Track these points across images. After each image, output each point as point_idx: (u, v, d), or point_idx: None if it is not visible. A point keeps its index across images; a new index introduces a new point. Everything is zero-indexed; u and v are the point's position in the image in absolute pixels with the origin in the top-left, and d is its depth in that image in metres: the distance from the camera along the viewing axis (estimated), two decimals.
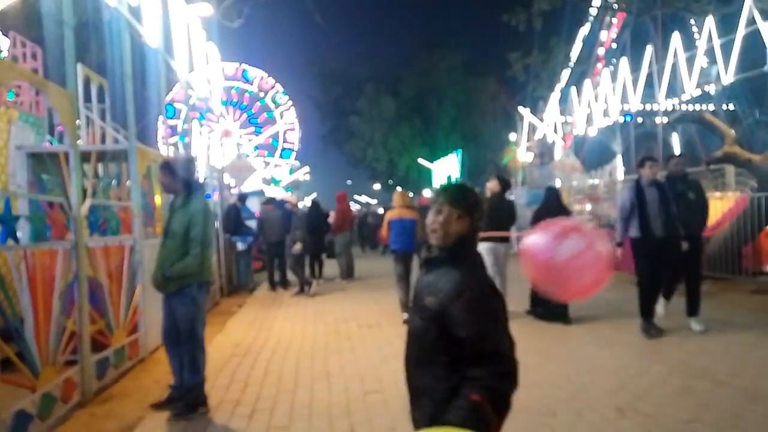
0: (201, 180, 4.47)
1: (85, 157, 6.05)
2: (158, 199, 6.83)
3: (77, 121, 5.67)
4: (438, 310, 1.72)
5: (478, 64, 33.72)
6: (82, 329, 4.49)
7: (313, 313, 8.29)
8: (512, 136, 24.64)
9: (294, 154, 33.06)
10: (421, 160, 31.07)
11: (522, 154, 22.29)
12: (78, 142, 4.87)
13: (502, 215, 7.30)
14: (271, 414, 4.06)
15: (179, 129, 28.40)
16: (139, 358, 5.56)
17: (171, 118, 29.04)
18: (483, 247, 7.84)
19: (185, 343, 4.11)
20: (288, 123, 32.57)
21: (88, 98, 10.35)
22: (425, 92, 33.14)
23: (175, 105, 27.90)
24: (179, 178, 4.14)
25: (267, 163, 31.63)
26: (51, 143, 8.37)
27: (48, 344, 4.04)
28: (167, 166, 4.24)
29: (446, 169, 24.70)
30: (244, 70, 31.13)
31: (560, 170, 15.77)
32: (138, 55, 7.76)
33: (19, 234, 3.98)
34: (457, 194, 1.89)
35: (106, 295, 5.08)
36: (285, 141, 32.86)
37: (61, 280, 4.28)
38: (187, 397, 4.06)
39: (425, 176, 31.33)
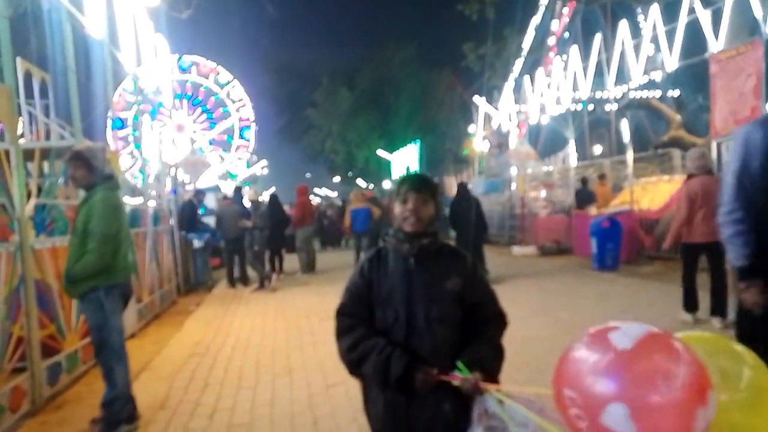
0: (108, 172, 3.90)
1: (28, 155, 5.80)
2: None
3: (18, 118, 5.41)
4: (460, 289, 1.93)
5: (433, 56, 34.02)
6: (30, 334, 4.30)
7: (274, 308, 8.20)
8: (471, 128, 24.92)
9: (253, 126, 32.27)
10: (379, 152, 31.09)
11: (479, 144, 22.57)
12: (20, 139, 4.65)
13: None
14: (232, 413, 4.01)
15: (129, 123, 27.45)
16: (93, 362, 5.37)
17: (120, 129, 28.03)
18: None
19: (98, 354, 3.78)
20: (238, 100, 31.78)
21: (30, 94, 9.90)
22: (381, 84, 33.09)
23: (121, 115, 26.93)
24: (93, 171, 3.71)
25: (223, 158, 30.98)
26: None
27: None
28: (79, 156, 3.73)
29: (405, 160, 24.81)
30: (179, 58, 30.19)
31: (516, 158, 16.05)
32: (82, 47, 7.45)
33: None
34: (418, 181, 2.01)
35: (56, 298, 4.88)
36: (240, 120, 32.09)
37: (5, 284, 4.09)
38: (106, 414, 3.70)
39: (384, 168, 31.39)
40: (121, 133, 28.03)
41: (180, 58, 29.47)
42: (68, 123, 11.26)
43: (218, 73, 31.45)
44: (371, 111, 33.26)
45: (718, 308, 5.70)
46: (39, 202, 5.02)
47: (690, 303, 5.95)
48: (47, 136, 9.65)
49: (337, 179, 44.76)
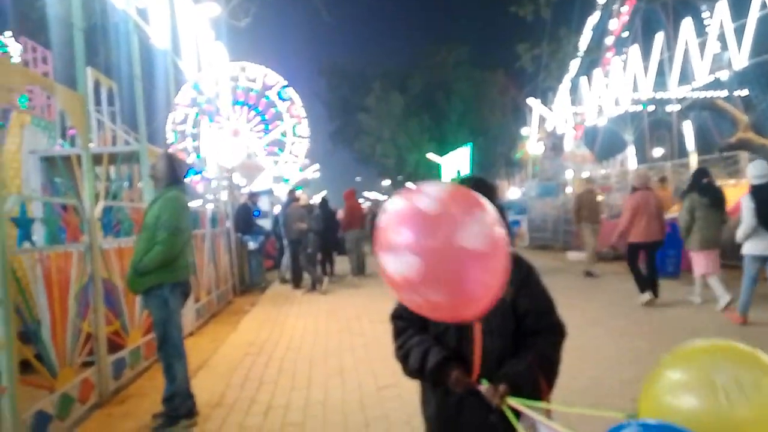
0: (187, 181, 4.29)
1: (97, 159, 6.11)
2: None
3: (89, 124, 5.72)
4: (512, 298, 1.85)
5: (486, 58, 33.60)
6: (97, 330, 4.53)
7: (326, 310, 8.31)
8: (524, 131, 24.49)
9: (305, 134, 32.73)
10: (430, 155, 30.98)
11: (532, 146, 22.15)
12: (90, 144, 4.92)
13: None
14: (285, 411, 4.08)
15: (188, 131, 28.47)
16: (154, 358, 5.60)
17: (179, 124, 29.15)
18: None
19: (159, 349, 3.94)
20: (294, 116, 32.31)
21: (98, 101, 10.44)
22: (433, 87, 33.03)
23: (177, 129, 27.99)
24: (172, 172, 4.03)
25: (276, 162, 31.68)
26: (62, 147, 8.44)
27: (65, 345, 4.08)
28: (169, 156, 4.20)
29: (456, 163, 24.60)
30: (243, 68, 31.04)
31: (572, 161, 15.67)
32: (146, 56, 7.82)
33: (34, 237, 4.02)
34: (473, 184, 1.93)
35: (121, 297, 5.12)
36: (292, 115, 32.57)
37: (76, 282, 4.32)
38: (166, 409, 3.85)
39: (434, 171, 31.25)
40: (181, 134, 29.12)
41: (243, 68, 30.31)
42: (133, 129, 11.84)
43: (282, 86, 32.10)
44: (422, 115, 33.24)
45: None
46: (107, 205, 5.27)
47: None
48: (113, 142, 10.16)
49: (386, 183, 44.96)
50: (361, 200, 19.97)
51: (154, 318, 3.95)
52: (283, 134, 32.48)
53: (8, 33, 13.52)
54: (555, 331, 1.90)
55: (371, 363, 5.23)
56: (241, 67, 31.48)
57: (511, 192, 21.92)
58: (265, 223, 12.99)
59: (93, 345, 4.50)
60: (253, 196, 12.01)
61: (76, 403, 4.10)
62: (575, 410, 1.52)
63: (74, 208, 4.70)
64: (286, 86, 32.16)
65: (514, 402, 1.65)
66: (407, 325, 2.00)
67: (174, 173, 4.04)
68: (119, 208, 5.60)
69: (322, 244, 10.89)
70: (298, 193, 12.19)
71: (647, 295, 7.18)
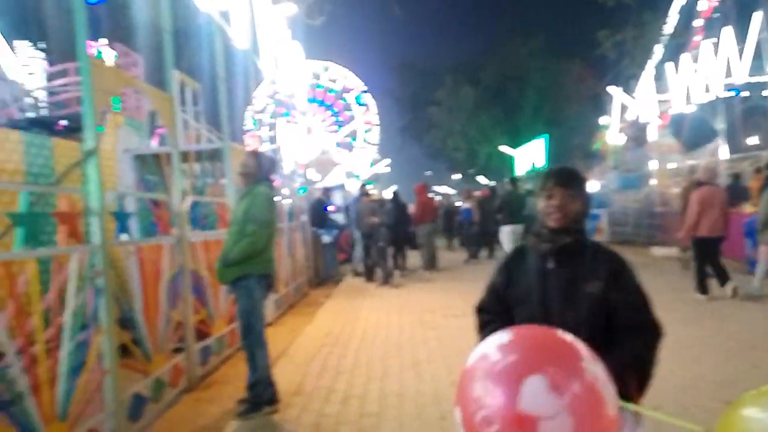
0: (274, 178, 4.48)
1: (183, 157, 6.44)
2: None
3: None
4: (601, 292, 1.78)
5: (562, 46, 32.35)
6: (187, 318, 4.80)
7: (398, 303, 8.36)
8: (602, 120, 23.44)
9: (376, 129, 33.01)
10: (503, 148, 30.29)
11: (613, 137, 21.14)
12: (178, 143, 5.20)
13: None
14: (362, 401, 4.15)
15: (265, 120, 29.41)
16: (237, 346, 5.85)
17: (258, 112, 30.21)
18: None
19: (243, 339, 4.12)
20: (367, 122, 32.67)
21: (183, 102, 11.00)
22: (506, 79, 32.25)
23: (256, 116, 28.95)
24: (260, 170, 4.22)
25: (348, 158, 32.14)
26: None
27: (158, 332, 4.36)
28: (257, 154, 4.44)
29: (529, 155, 23.92)
30: (325, 67, 31.61)
31: (657, 151, 14.82)
32: (226, 56, 8.16)
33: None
34: (565, 175, 1.91)
35: (207, 287, 5.40)
36: (365, 123, 32.93)
37: (167, 272, 4.60)
38: (250, 395, 4.02)
39: (507, 164, 30.56)
40: (259, 122, 30.10)
41: (326, 68, 30.95)
42: (215, 127, 12.40)
43: (361, 91, 32.49)
44: (495, 107, 32.58)
45: None
46: (194, 200, 5.56)
47: None
48: (198, 140, 10.69)
49: (457, 177, 44.50)
50: (431, 194, 19.75)
51: (239, 308, 4.14)
52: (353, 138, 32.86)
53: (103, 40, 14.51)
54: (650, 330, 1.80)
55: (445, 356, 5.22)
56: (324, 67, 32.11)
57: (590, 185, 21.07)
58: (339, 218, 13.24)
59: (182, 332, 4.77)
60: (327, 191, 12.27)
61: (168, 387, 4.36)
62: (656, 416, 1.46)
63: (165, 203, 5.00)
64: (365, 92, 32.49)
65: None
66: (492, 318, 1.97)
67: (263, 170, 4.24)
68: (205, 203, 5.88)
69: (393, 238, 10.95)
70: (369, 187, 12.32)
71: (727, 289, 7.17)
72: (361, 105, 32.59)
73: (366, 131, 32.64)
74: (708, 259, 7.34)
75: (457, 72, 33.44)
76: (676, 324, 5.93)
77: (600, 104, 25.09)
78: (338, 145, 32.99)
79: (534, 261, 1.90)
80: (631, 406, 1.62)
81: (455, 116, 32.94)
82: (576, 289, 1.80)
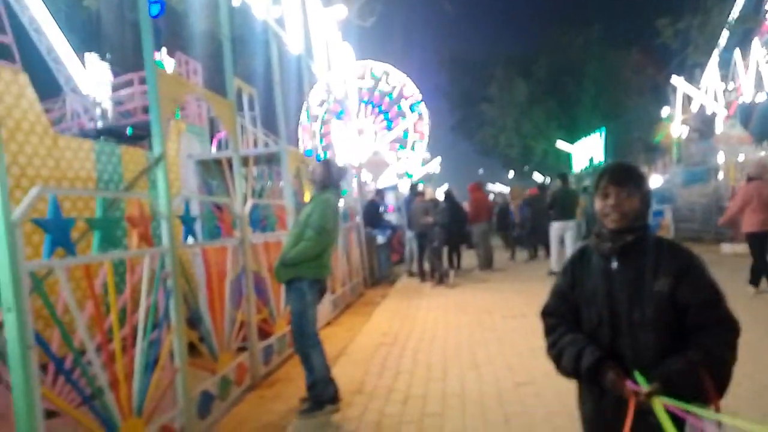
0: (340, 184, 4.57)
1: (243, 161, 6.61)
2: (307, 197, 7.29)
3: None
4: (670, 290, 1.72)
5: (620, 36, 31.18)
6: (250, 318, 4.93)
7: (455, 303, 8.29)
8: (664, 111, 22.45)
9: (424, 144, 33.05)
10: (559, 143, 29.46)
11: (676, 129, 20.22)
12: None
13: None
14: (424, 401, 4.13)
15: (317, 132, 29.92)
16: None
17: (309, 123, 30.73)
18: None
19: (295, 340, 4.21)
20: (418, 131, 32.70)
21: (240, 107, 11.31)
22: (560, 71, 31.29)
23: (313, 109, 29.46)
24: (328, 177, 4.31)
25: (399, 158, 32.18)
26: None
27: (223, 331, 4.49)
28: (327, 162, 4.54)
29: (588, 150, 23.21)
30: (385, 71, 31.90)
31: (725, 143, 14.05)
32: (280, 61, 8.35)
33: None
34: (620, 172, 1.83)
35: (268, 287, 5.52)
36: (415, 132, 32.99)
37: (231, 273, 4.74)
38: (310, 395, 4.10)
39: (564, 160, 29.74)
40: (313, 117, 30.60)
41: (372, 71, 31.24)
42: (269, 131, 12.70)
43: (417, 100, 32.60)
44: (549, 101, 31.69)
45: None
46: (254, 203, 5.70)
47: None
48: (255, 145, 10.97)
49: (511, 174, 43.72)
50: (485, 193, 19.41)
51: (292, 309, 4.23)
52: (402, 145, 32.90)
53: (163, 50, 15.14)
54: (725, 326, 1.71)
55: (506, 358, 5.13)
56: (385, 71, 32.34)
57: (653, 180, 20.23)
58: (392, 218, 13.28)
59: (246, 332, 4.90)
60: (380, 192, 12.32)
61: (233, 385, 4.49)
62: (736, 423, 1.39)
63: (227, 207, 5.15)
64: (420, 101, 32.54)
65: (669, 403, 1.54)
66: (559, 322, 1.92)
67: (330, 178, 4.33)
68: (265, 206, 6.02)
69: (448, 238, 10.87)
70: (422, 186, 12.28)
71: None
72: (414, 112, 32.62)
73: (414, 141, 32.66)
74: (754, 252, 7.33)
75: (509, 66, 32.75)
76: (752, 325, 5.60)
77: (661, 95, 24.08)
78: (389, 147, 33.15)
79: (598, 261, 1.85)
80: (709, 414, 1.55)
81: (508, 112, 32.30)
82: (642, 288, 1.74)
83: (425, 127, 32.53)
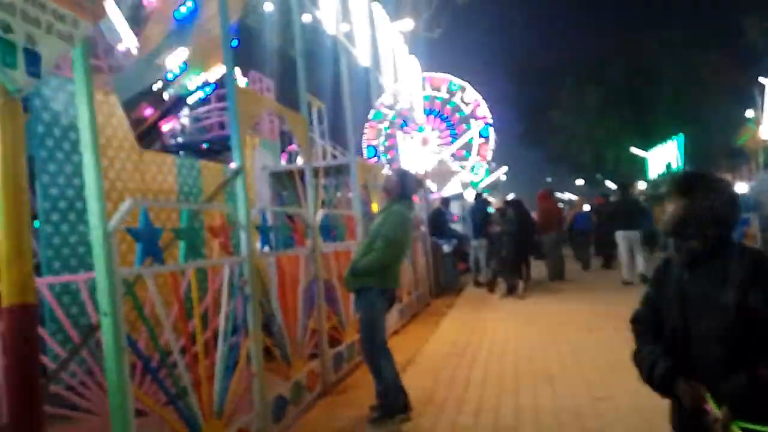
0: (415, 197, 4.59)
1: (314, 172, 6.80)
2: (375, 207, 7.38)
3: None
4: (739, 301, 1.65)
5: (698, 36, 29.50)
6: (321, 325, 5.03)
7: (525, 314, 8.10)
8: (749, 113, 21.03)
9: (491, 129, 32.82)
10: (633, 150, 28.14)
11: (765, 132, 18.88)
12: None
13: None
14: (496, 414, 4.06)
15: (382, 131, 30.28)
16: None
17: (377, 120, 31.35)
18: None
19: (364, 349, 4.23)
20: (481, 155, 32.58)
21: (310, 121, 11.65)
22: (634, 75, 30.00)
23: (382, 110, 29.90)
24: (402, 188, 4.32)
25: (464, 167, 31.97)
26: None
27: (297, 338, 4.61)
28: (402, 173, 4.57)
29: (664, 157, 22.10)
30: (450, 81, 32.05)
31: None
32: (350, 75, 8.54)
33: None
34: (679, 181, 1.82)
35: (338, 296, 5.62)
36: (478, 155, 32.91)
37: (303, 281, 4.87)
38: (381, 404, 4.10)
39: (638, 167, 28.36)
40: (374, 141, 31.20)
41: (451, 83, 31.47)
42: (336, 143, 12.97)
43: (487, 123, 32.61)
44: (622, 106, 30.41)
45: None
46: (325, 213, 5.83)
47: None
48: (323, 157, 11.25)
49: (580, 182, 42.32)
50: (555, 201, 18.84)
51: (361, 317, 4.28)
52: (468, 153, 32.71)
53: (237, 69, 15.82)
54: None
55: (582, 372, 4.95)
56: (462, 86, 32.48)
57: (738, 187, 18.97)
58: (458, 227, 13.18)
59: (317, 339, 5.00)
60: (446, 200, 12.26)
61: (306, 390, 4.58)
62: None
63: (300, 217, 5.31)
64: (490, 125, 32.47)
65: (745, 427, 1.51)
66: (644, 330, 1.93)
67: (403, 189, 4.34)
68: (334, 216, 6.15)
69: (517, 247, 10.63)
70: (485, 196, 12.13)
71: None
72: (483, 137, 32.49)
73: (474, 165, 32.47)
74: None
75: (579, 71, 31.72)
76: None
77: (744, 98, 22.58)
78: (452, 156, 33.05)
79: (675, 272, 1.84)
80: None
81: (578, 119, 31.29)
82: (712, 300, 1.70)
83: (489, 151, 32.41)
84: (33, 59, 2.01)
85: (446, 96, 33.10)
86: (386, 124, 30.02)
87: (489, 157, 32.28)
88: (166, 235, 3.15)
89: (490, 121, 32.53)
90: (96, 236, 2.38)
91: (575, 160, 35.09)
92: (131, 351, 2.71)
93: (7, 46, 1.92)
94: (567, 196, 44.78)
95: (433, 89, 33.46)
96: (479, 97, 32.53)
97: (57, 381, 3.33)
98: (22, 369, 2.02)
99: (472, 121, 32.55)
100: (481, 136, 32.53)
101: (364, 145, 32.33)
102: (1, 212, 1.96)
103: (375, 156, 30.99)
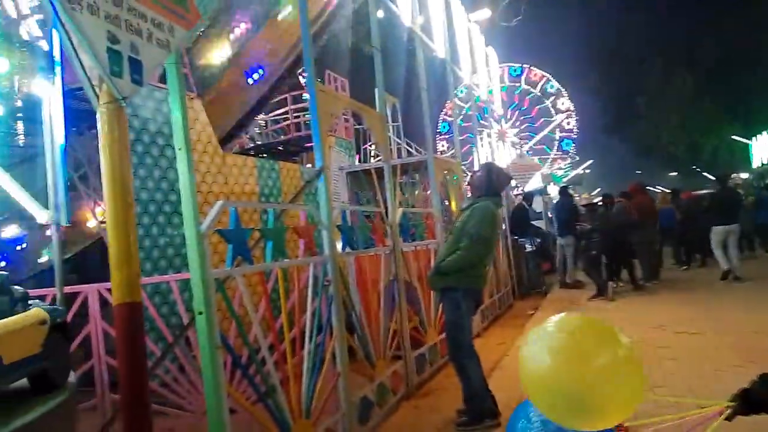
0: (501, 193, 4.38)
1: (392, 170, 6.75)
2: (453, 205, 7.22)
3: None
4: None
5: None
6: (403, 325, 4.95)
7: (618, 317, 7.62)
8: None
9: (573, 145, 31.67)
10: (736, 137, 25.79)
11: None
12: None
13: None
14: None
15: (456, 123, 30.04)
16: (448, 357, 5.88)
17: (444, 133, 31.03)
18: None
19: (450, 351, 4.09)
20: (565, 115, 31.31)
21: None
22: (731, 55, 27.50)
23: (448, 119, 29.64)
24: (487, 183, 4.17)
25: (545, 161, 30.93)
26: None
27: (379, 338, 4.56)
28: (488, 167, 4.39)
29: None
30: (509, 67, 31.19)
31: None
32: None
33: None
34: None
35: (419, 296, 5.52)
36: (561, 131, 31.66)
37: (384, 281, 4.81)
38: (468, 408, 3.98)
39: (741, 156, 26.03)
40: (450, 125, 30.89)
41: (512, 68, 30.76)
42: (411, 140, 12.88)
43: (548, 81, 31.59)
44: (719, 90, 28.01)
45: None
46: (404, 211, 5.76)
47: None
48: (398, 154, 11.20)
49: (673, 174, 39.73)
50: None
51: (446, 318, 4.16)
52: (548, 147, 31.71)
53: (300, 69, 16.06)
54: None
55: (686, 379, 4.56)
56: (547, 78, 31.70)
57: None
58: (541, 224, 12.69)
59: (399, 340, 4.93)
60: (528, 196, 11.84)
61: (390, 393, 4.52)
62: None
63: (379, 216, 5.26)
64: (572, 142, 31.40)
65: None
66: None
67: (490, 184, 4.18)
68: (414, 214, 6.06)
69: (608, 246, 10.07)
70: (570, 190, 11.57)
71: None
72: (550, 96, 31.34)
73: (564, 140, 31.34)
74: None
75: (668, 55, 29.59)
76: None
77: None
78: (531, 151, 32.11)
79: None
80: None
81: (669, 106, 29.21)
82: None
83: (563, 163, 31.33)
84: (136, 67, 2.09)
85: (538, 93, 32.21)
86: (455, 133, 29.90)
87: (563, 167, 31.21)
88: (254, 236, 3.19)
89: (574, 135, 31.32)
90: (190, 238, 2.43)
91: (666, 151, 32.86)
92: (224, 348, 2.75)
93: (114, 56, 2.00)
94: (659, 189, 42.34)
95: (527, 84, 32.66)
96: (570, 105, 31.48)
97: (151, 377, 3.46)
98: (133, 360, 2.19)
99: (553, 113, 31.46)
100: (563, 149, 31.45)
101: (441, 117, 32.04)
102: (109, 217, 2.04)
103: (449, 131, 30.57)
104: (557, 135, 31.63)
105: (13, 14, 7.17)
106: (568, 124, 31.67)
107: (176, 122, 2.48)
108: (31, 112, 6.01)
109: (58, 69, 3.37)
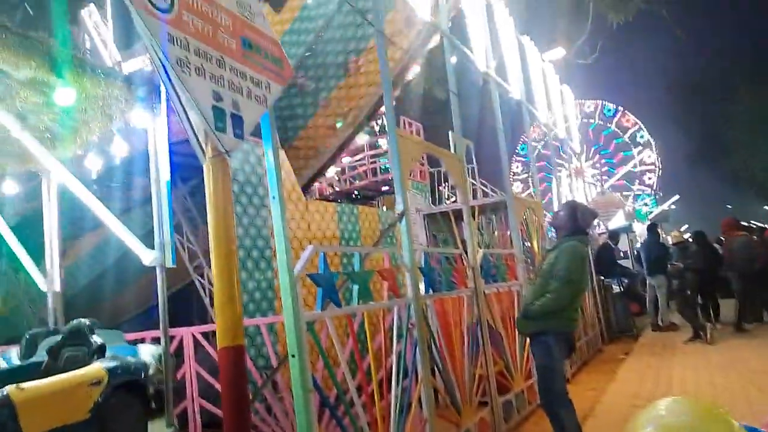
0: (588, 231, 4.22)
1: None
2: (535, 245, 7.05)
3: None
4: None
5: None
6: (488, 369, 4.81)
7: (718, 362, 7.04)
8: None
9: (651, 198, 30.41)
10: None
11: None
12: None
13: None
14: None
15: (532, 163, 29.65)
16: (537, 403, 5.62)
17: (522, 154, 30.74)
18: None
19: (542, 398, 3.92)
20: (647, 164, 30.15)
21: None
22: None
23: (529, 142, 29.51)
24: (572, 222, 4.05)
25: (628, 197, 29.67)
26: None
27: (464, 383, 4.45)
28: (573, 205, 4.28)
29: None
30: (604, 105, 30.60)
31: None
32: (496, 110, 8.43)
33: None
34: None
35: (503, 339, 5.37)
36: (641, 183, 30.46)
37: (466, 324, 4.73)
38: None
39: None
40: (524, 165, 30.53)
41: (607, 108, 30.30)
42: (487, 180, 12.80)
43: (639, 129, 30.78)
44: None
45: None
46: (485, 252, 5.69)
47: None
48: (474, 195, 11.14)
49: None
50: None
51: (537, 364, 4.01)
52: (629, 183, 30.53)
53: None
54: None
55: None
56: (619, 110, 31.10)
57: None
58: (627, 263, 12.08)
59: (484, 385, 4.79)
60: (613, 235, 11.34)
61: None
62: None
63: (459, 258, 5.22)
64: (653, 197, 30.48)
65: None
66: None
67: (575, 223, 4.06)
68: (495, 255, 5.97)
69: (702, 285, 9.41)
70: (659, 227, 10.97)
71: None
72: (638, 145, 30.29)
73: (640, 195, 30.13)
74: None
75: (755, 76, 27.92)
76: None
77: None
78: (611, 188, 30.97)
79: None
80: None
81: (759, 132, 27.35)
82: None
83: (648, 200, 30.09)
84: (238, 122, 2.25)
85: (600, 123, 31.34)
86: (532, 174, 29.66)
87: (655, 185, 29.70)
88: (340, 279, 3.26)
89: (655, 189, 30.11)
90: (284, 282, 2.52)
91: (760, 182, 30.63)
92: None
93: (218, 113, 2.17)
94: (754, 225, 39.30)
95: (583, 117, 31.96)
96: (638, 120, 30.31)
97: None
98: (237, 403, 2.24)
99: (635, 157, 30.36)
100: (643, 183, 30.20)
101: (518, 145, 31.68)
102: (215, 262, 2.16)
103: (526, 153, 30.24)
104: (638, 169, 30.31)
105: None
106: (650, 157, 30.33)
107: (270, 172, 2.62)
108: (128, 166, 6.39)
109: (163, 121, 3.67)
